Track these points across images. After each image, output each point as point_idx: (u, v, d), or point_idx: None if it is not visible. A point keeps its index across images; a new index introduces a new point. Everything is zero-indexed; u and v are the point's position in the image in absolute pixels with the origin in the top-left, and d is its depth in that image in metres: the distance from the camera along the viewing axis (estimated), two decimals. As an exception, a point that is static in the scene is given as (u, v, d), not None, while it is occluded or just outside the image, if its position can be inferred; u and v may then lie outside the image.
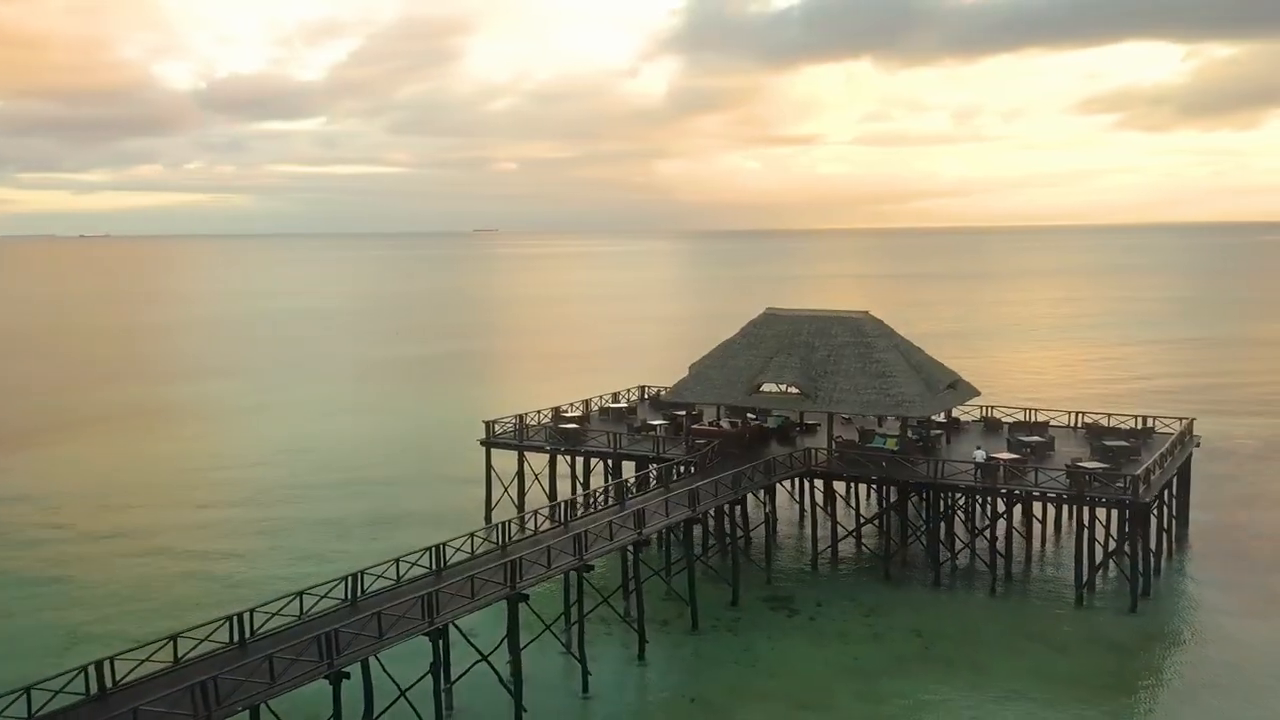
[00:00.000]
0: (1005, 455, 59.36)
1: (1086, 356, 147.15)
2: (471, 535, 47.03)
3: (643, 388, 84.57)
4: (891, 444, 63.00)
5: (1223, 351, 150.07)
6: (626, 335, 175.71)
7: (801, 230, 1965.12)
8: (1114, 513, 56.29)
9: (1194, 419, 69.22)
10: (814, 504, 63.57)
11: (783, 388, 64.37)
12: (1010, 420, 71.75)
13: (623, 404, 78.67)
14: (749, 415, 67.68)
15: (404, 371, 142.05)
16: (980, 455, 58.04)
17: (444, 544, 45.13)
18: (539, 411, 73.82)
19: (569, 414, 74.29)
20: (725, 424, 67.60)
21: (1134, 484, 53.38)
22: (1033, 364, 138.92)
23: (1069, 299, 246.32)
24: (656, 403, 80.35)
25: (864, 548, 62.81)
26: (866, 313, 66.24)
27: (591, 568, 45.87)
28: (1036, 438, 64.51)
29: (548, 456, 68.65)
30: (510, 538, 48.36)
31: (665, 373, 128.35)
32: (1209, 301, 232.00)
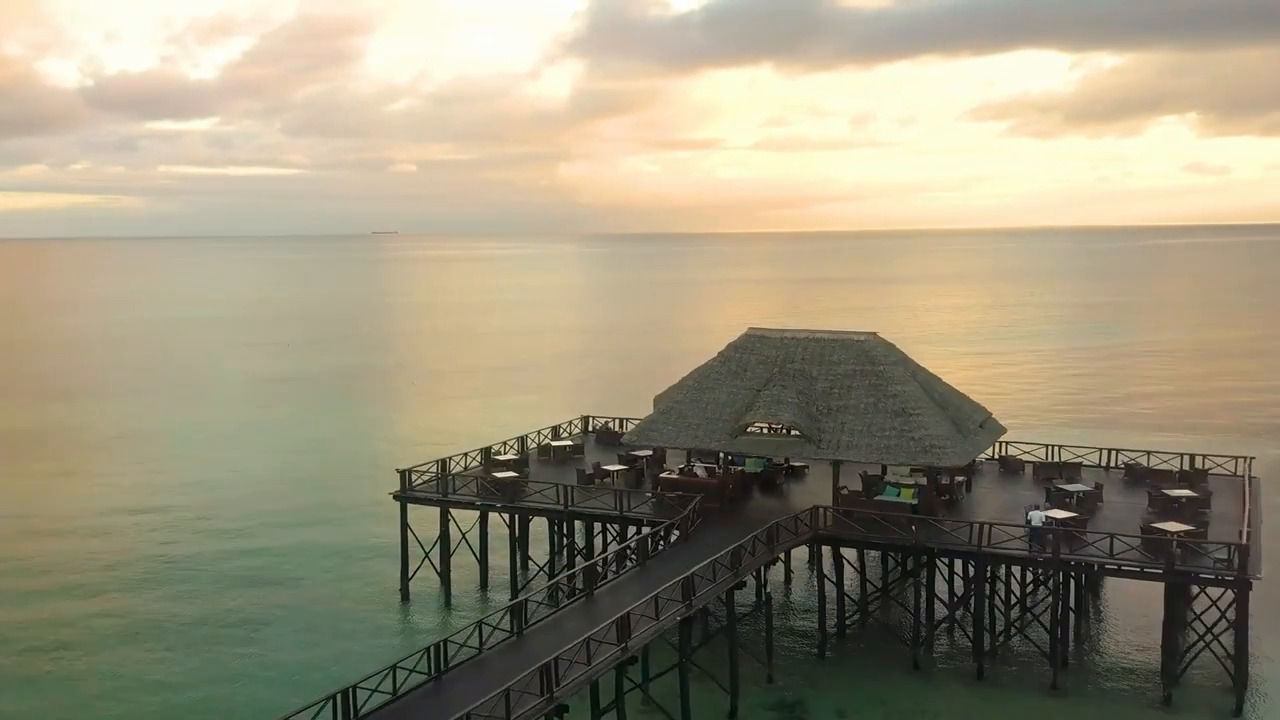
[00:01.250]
0: (1059, 513, 47.55)
1: (1040, 368, 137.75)
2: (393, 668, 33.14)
3: (586, 419, 71.52)
4: (907, 495, 50.99)
5: (1182, 362, 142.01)
6: (545, 348, 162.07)
7: (703, 234, 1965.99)
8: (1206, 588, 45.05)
9: (1253, 457, 58.46)
10: (819, 573, 51.13)
11: (777, 429, 52.06)
12: (1031, 459, 60.40)
13: (565, 441, 65.56)
14: (724, 458, 55.05)
15: (296, 391, 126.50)
16: (1039, 517, 46.04)
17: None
18: (465, 455, 60.53)
19: (502, 457, 61.11)
20: (700, 470, 54.87)
21: (1240, 556, 42.00)
22: (983, 379, 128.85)
23: (995, 305, 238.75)
24: (605, 437, 67.55)
25: (881, 626, 50.73)
26: (874, 334, 53.96)
27: (566, 708, 32.59)
28: (1080, 486, 52.97)
29: (479, 513, 55.70)
30: (446, 663, 34.88)
31: (604, 396, 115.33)
32: (1136, 307, 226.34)
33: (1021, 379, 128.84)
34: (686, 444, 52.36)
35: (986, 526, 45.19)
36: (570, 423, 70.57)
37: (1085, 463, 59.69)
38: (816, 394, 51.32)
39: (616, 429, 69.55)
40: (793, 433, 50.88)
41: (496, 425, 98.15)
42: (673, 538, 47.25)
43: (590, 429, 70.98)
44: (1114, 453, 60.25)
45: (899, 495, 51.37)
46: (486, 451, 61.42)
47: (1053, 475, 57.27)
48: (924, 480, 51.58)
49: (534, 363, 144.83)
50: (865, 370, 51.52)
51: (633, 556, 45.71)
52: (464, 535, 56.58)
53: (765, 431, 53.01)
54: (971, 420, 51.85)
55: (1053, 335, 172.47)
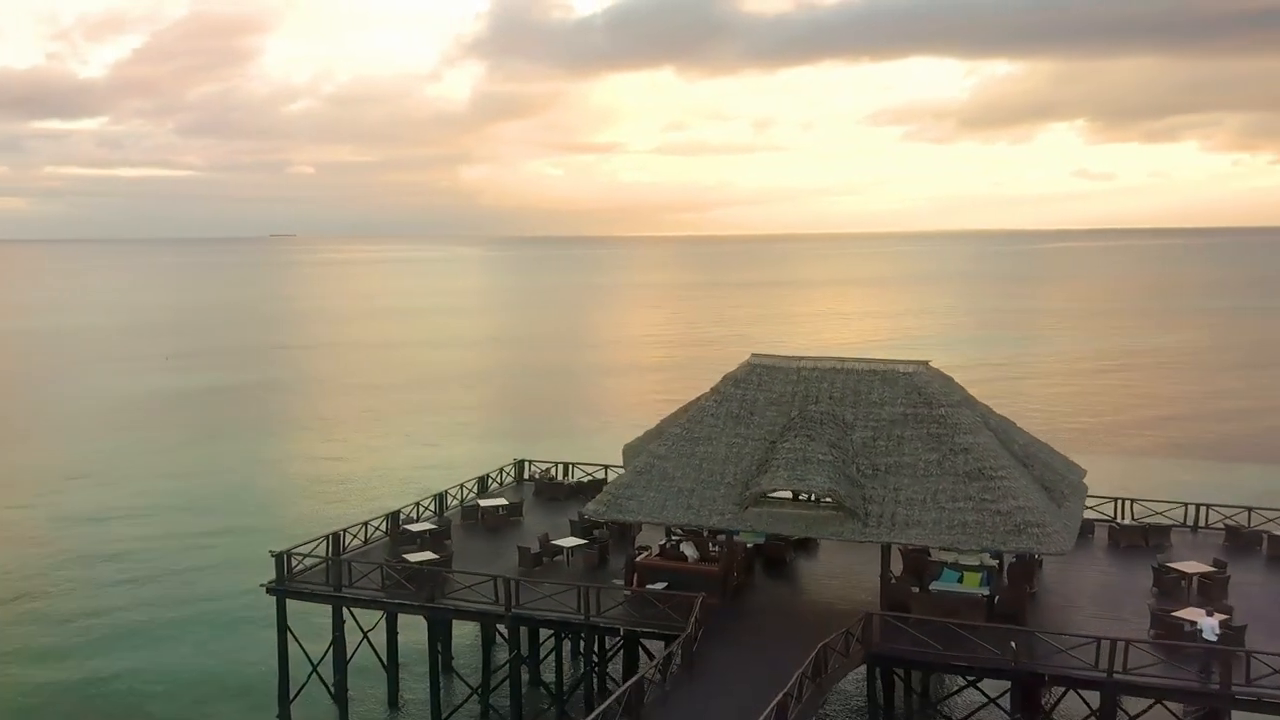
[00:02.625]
0: (1216, 618, 33.97)
1: (1004, 382, 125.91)
2: None
3: (520, 465, 56.80)
4: (973, 582, 37.46)
5: (1166, 374, 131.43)
6: (455, 362, 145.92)
7: (606, 237, 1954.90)
8: None
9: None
10: (872, 702, 37.02)
11: (805, 497, 38.06)
12: (1098, 516, 47.13)
13: (498, 500, 50.63)
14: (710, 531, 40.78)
15: (167, 417, 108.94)
16: (1212, 627, 32.46)
17: None
18: (366, 525, 45.51)
19: (414, 525, 46.16)
20: (687, 549, 40.56)
21: None
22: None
23: (922, 310, 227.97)
24: (547, 490, 52.90)
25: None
26: (926, 363, 40.20)
27: None
28: (1197, 566, 39.68)
29: (385, 613, 40.95)
30: None
31: (530, 420, 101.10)
32: (1071, 312, 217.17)
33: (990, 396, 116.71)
34: (678, 519, 37.87)
35: (1121, 645, 31.65)
36: (502, 471, 55.74)
37: (1168, 521, 46.77)
38: (855, 448, 37.36)
39: (560, 478, 55.17)
40: (826, 501, 36.88)
41: (406, 464, 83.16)
42: (670, 673, 32.83)
43: (526, 476, 56.36)
44: (1203, 508, 47.36)
45: (961, 582, 37.81)
46: (394, 519, 46.44)
47: (1134, 541, 44.24)
48: (993, 560, 38.19)
49: (444, 379, 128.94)
50: (920, 414, 37.68)
51: (619, 703, 31.01)
52: (366, 636, 41.81)
53: (793, 501, 38.93)
54: (1065, 481, 38.36)
55: (1000, 342, 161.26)
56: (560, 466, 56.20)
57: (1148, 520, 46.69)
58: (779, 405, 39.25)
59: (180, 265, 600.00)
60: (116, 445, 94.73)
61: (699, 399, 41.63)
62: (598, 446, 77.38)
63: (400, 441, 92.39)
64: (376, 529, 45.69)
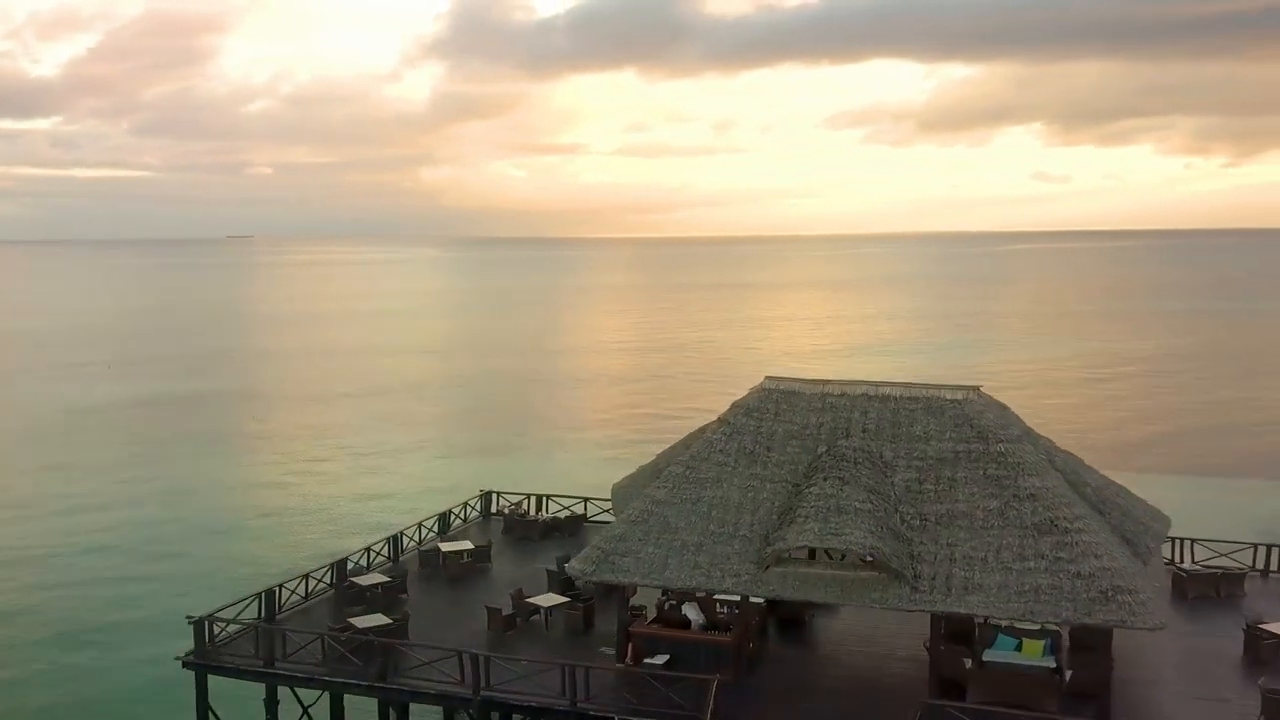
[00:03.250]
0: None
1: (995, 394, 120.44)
2: None
3: (486, 497, 49.99)
4: (1034, 652, 31.13)
5: (1164, 380, 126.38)
6: (413, 370, 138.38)
7: (569, 238, 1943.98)
8: None
9: None
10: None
11: (837, 555, 31.58)
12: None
13: (463, 543, 43.79)
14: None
15: (96, 431, 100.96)
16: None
17: None
18: (307, 576, 38.63)
19: (364, 576, 39.39)
20: (690, 612, 33.95)
21: None
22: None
23: (891, 315, 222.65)
24: (517, 527, 46.24)
25: None
26: (977, 389, 33.86)
27: None
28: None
29: (328, 693, 34.14)
30: None
31: (494, 435, 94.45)
32: (1043, 316, 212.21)
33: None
34: (683, 582, 31.18)
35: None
36: (466, 506, 48.91)
37: (1238, 566, 40.69)
38: (898, 493, 30.91)
39: (531, 512, 48.47)
40: (865, 560, 30.43)
41: (356, 493, 75.97)
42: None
43: (494, 510, 49.57)
44: (1274, 550, 41.30)
45: (1019, 650, 31.51)
46: (340, 569, 39.59)
47: (1204, 591, 38.12)
48: (1055, 625, 31.92)
49: (400, 389, 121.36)
50: (974, 451, 31.23)
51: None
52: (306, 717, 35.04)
53: (822, 558, 32.42)
54: (1149, 532, 32.11)
55: (978, 347, 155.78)
56: (531, 500, 49.49)
57: (1215, 564, 40.75)
58: (802, 440, 32.70)
59: (133, 267, 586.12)
60: (29, 467, 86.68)
61: (703, 430, 35.10)
62: (570, 470, 70.93)
63: (350, 465, 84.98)
64: (319, 580, 38.87)
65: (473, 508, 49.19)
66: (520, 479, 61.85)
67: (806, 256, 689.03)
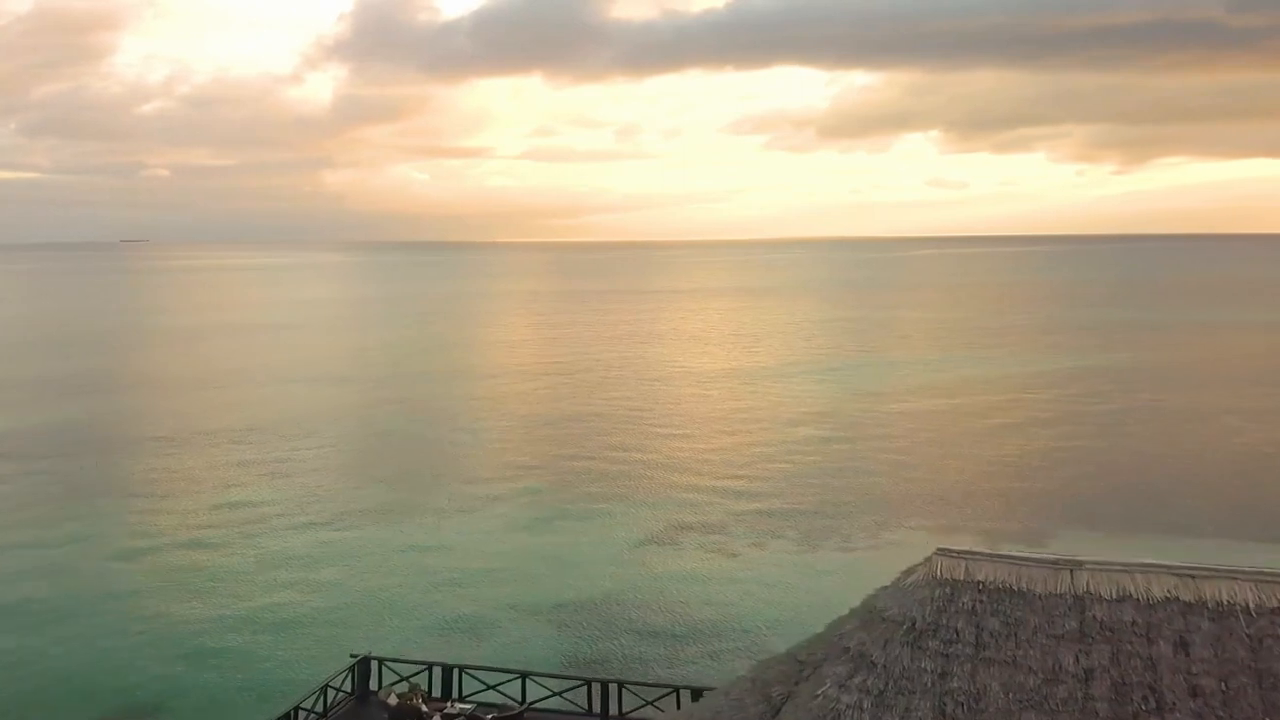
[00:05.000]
0: None
1: (978, 421, 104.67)
2: None
3: (363, 668, 32.13)
4: None
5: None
6: (309, 400, 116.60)
7: (476, 243, 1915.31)
8: None
9: None
10: None
11: None
12: None
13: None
14: None
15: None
16: None
17: None
18: None
19: None
20: None
21: None
22: (899, 441, 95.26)
23: (825, 320, 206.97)
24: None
25: None
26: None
27: None
28: None
29: None
30: None
31: (375, 543, 62.03)
32: (975, 326, 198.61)
33: (977, 438, 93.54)
34: None
35: None
36: (325, 691, 30.93)
37: None
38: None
39: (434, 695, 31.02)
40: None
41: (159, 645, 54.03)
42: None
43: (373, 686, 31.87)
44: None
45: None
46: None
47: None
48: None
49: (292, 426, 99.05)
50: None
51: None
52: None
53: None
54: None
55: (935, 364, 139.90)
56: (433, 674, 31.88)
57: None
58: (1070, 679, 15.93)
59: (14, 273, 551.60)
60: None
61: (826, 658, 18.14)
62: (492, 587, 53.51)
63: (218, 548, 63.35)
64: None
65: (340, 688, 31.51)
66: (415, 618, 44.67)
67: (717, 262, 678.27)
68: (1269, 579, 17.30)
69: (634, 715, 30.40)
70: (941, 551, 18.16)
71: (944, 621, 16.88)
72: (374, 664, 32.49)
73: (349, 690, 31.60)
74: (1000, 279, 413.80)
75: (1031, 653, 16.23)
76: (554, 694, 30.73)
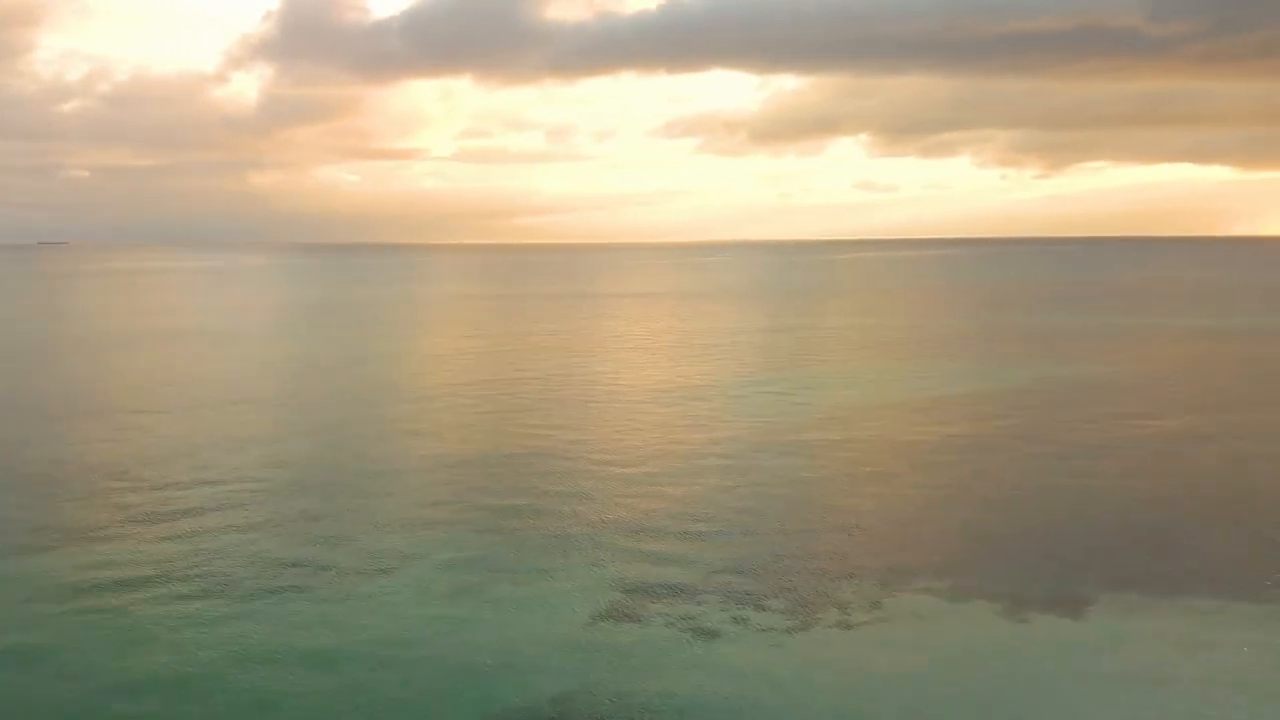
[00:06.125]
0: None
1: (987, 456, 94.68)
2: None
3: None
4: None
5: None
6: (220, 424, 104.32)
7: (408, 244, 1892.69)
8: None
9: None
10: None
11: None
12: None
13: None
14: None
15: None
16: None
17: None
18: None
19: None
20: None
21: None
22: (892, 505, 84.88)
23: (777, 330, 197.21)
24: None
25: None
26: None
27: None
28: None
29: None
30: None
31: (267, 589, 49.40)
32: (937, 333, 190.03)
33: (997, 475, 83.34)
34: None
35: None
36: None
37: None
38: None
39: None
40: None
41: None
42: None
43: None
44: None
45: None
46: None
47: None
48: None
49: (180, 461, 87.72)
50: None
51: None
52: None
53: None
54: None
55: (897, 376, 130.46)
56: None
57: None
58: None
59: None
60: None
61: None
62: (388, 685, 41.56)
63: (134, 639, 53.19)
64: None
65: None
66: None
67: (652, 265, 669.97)
68: None
69: None
70: None
71: None
72: None
73: None
74: (936, 282, 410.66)
75: None
76: None
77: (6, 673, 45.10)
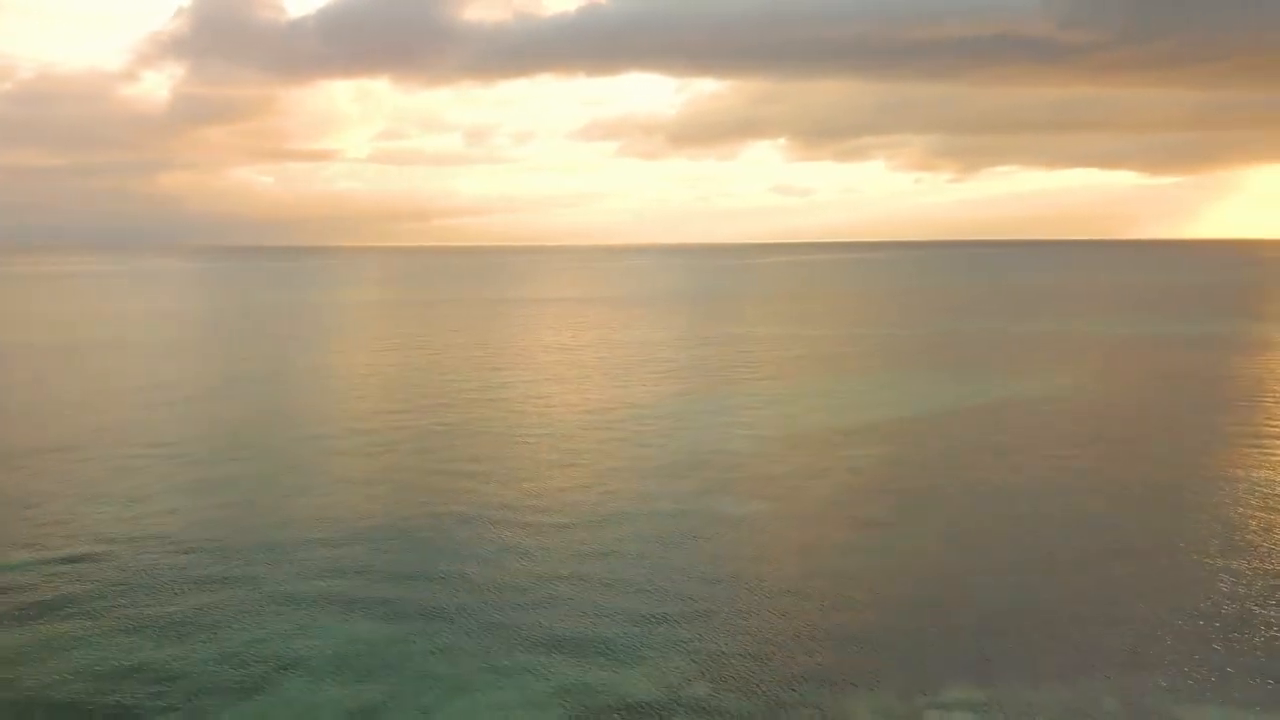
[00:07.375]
0: None
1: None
2: None
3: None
4: None
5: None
6: (146, 452, 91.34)
7: (325, 246, 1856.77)
8: None
9: None
10: None
11: None
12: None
13: None
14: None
15: None
16: None
17: None
18: None
19: None
20: None
21: None
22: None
23: (713, 343, 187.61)
24: None
25: None
26: None
27: None
28: None
29: None
30: None
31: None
32: (917, 347, 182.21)
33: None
34: None
35: None
36: None
37: None
38: None
39: None
40: None
41: None
42: None
43: None
44: None
45: None
46: None
47: None
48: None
49: (55, 504, 75.15)
50: None
51: None
52: None
53: None
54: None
55: (847, 392, 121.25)
56: None
57: None
58: None
59: None
60: None
61: None
62: None
63: None
64: None
65: None
66: None
67: (572, 269, 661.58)
68: None
69: None
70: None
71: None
72: None
73: None
74: (860, 287, 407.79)
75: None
76: None
77: None
